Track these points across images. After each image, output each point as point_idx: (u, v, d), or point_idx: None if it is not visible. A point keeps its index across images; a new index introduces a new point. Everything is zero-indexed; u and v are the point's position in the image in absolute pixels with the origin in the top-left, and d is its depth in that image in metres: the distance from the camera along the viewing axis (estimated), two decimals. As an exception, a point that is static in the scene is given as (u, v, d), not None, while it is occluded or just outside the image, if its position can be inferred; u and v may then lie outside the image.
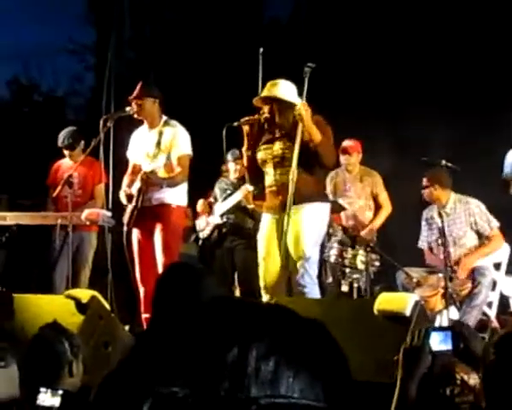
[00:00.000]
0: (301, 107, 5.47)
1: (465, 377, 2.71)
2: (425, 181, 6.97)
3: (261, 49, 6.35)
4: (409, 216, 7.57)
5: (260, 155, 5.79)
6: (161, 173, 6.45)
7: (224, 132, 5.81)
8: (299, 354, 0.85)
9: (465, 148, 7.96)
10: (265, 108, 5.70)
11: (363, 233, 7.36)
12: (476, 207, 6.93)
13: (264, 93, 5.74)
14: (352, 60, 8.72)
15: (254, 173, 5.97)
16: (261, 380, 0.82)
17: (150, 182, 6.35)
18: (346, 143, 7.75)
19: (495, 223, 6.89)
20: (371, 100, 8.54)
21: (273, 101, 5.68)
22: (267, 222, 5.81)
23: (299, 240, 5.59)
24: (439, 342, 2.68)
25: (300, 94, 5.62)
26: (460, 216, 6.94)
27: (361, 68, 8.60)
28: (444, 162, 7.04)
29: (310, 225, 5.61)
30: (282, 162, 5.68)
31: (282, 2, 14.20)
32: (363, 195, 7.70)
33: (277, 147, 5.71)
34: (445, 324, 6.13)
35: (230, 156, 7.57)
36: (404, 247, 7.50)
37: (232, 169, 7.63)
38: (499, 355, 1.92)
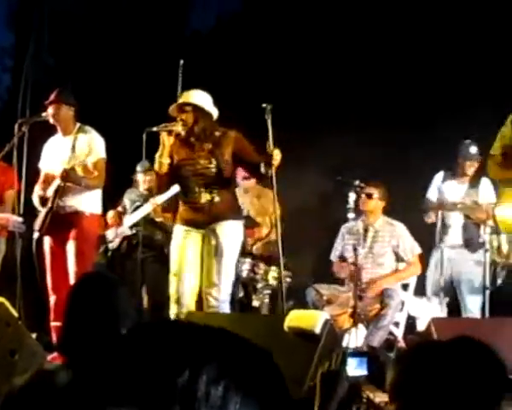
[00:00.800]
0: (278, 156, 5.48)
1: (371, 396, 2.77)
2: (372, 190, 7.06)
3: (181, 61, 6.36)
4: (322, 233, 7.67)
5: (183, 171, 5.76)
6: (80, 172, 6.39)
7: (144, 137, 5.76)
8: (246, 380, 0.86)
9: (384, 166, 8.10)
10: (182, 116, 5.70)
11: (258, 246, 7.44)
12: (401, 230, 7.08)
13: (181, 100, 5.75)
14: (272, 75, 8.78)
15: (165, 182, 5.95)
16: (211, 405, 0.83)
17: (70, 179, 6.28)
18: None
19: (417, 249, 7.07)
20: (294, 115, 8.59)
21: (193, 110, 5.69)
22: (181, 234, 5.80)
23: (219, 256, 5.60)
24: (355, 367, 2.73)
25: (266, 136, 5.61)
26: (384, 236, 7.08)
27: (281, 83, 8.66)
28: (357, 182, 7.16)
29: (226, 241, 5.64)
30: (206, 179, 5.68)
31: (206, 14, 14.23)
32: (261, 213, 7.74)
33: (201, 165, 5.70)
34: (353, 343, 6.24)
35: (140, 168, 7.54)
36: (315, 264, 7.60)
37: (141, 180, 7.61)
38: (401, 373, 1.98)
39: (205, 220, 5.64)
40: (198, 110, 5.69)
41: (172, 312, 5.69)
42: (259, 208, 7.71)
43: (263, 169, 5.51)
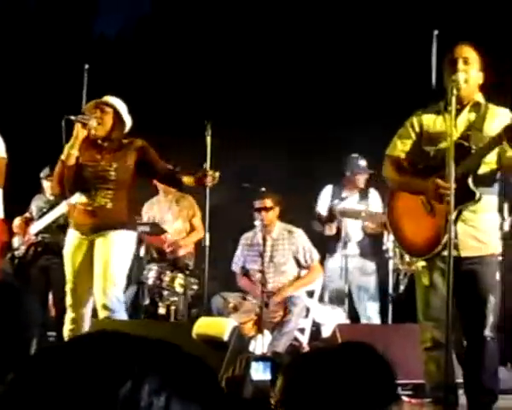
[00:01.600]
0: (215, 180, 5.45)
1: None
2: (269, 202, 7.10)
3: (86, 66, 6.29)
4: (230, 240, 7.68)
5: (84, 172, 5.65)
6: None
7: (63, 124, 5.55)
8: (187, 390, 0.85)
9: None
10: (99, 114, 5.62)
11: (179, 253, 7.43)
12: (300, 237, 7.18)
13: (103, 99, 5.68)
14: (182, 79, 8.73)
15: (72, 175, 5.70)
16: None
17: None
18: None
19: (316, 255, 7.18)
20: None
21: (113, 114, 5.63)
22: (73, 240, 5.71)
23: (108, 264, 5.53)
24: (259, 372, 2.76)
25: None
26: (284, 244, 7.16)
27: (190, 87, 8.62)
28: (263, 190, 7.22)
29: (115, 250, 5.55)
30: (104, 183, 5.61)
31: (113, 18, 14.09)
32: (180, 217, 7.73)
33: (102, 166, 5.63)
34: (259, 350, 6.28)
35: (43, 174, 7.41)
36: (223, 272, 7.60)
37: (46, 187, 7.48)
38: (287, 381, 2.00)
39: (95, 225, 5.55)
40: (117, 116, 5.64)
41: (69, 317, 5.62)
42: (177, 213, 7.69)
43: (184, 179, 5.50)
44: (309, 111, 8.18)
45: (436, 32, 4.95)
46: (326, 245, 7.64)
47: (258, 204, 7.13)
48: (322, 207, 7.72)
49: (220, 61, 8.20)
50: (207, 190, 5.50)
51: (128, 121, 5.72)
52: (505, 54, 7.27)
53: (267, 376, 2.75)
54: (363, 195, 7.55)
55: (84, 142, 5.65)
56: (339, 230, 7.44)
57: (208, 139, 5.54)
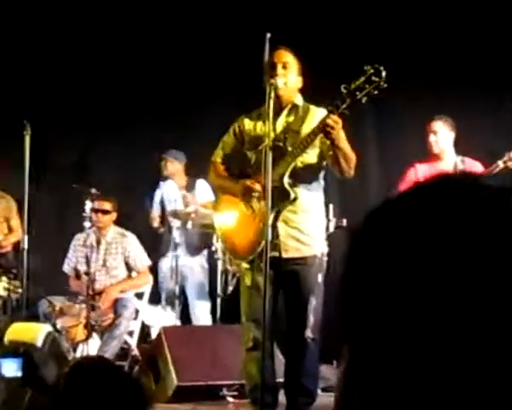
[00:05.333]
0: None
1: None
2: (108, 206, 6.95)
3: None
4: (58, 242, 7.47)
5: None
6: None
7: None
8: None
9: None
10: None
11: None
12: (132, 241, 7.09)
13: None
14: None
15: None
16: None
17: None
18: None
19: (146, 261, 7.11)
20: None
21: None
22: None
23: None
24: (10, 369, 2.69)
25: None
26: (117, 247, 7.05)
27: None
28: (94, 191, 7.08)
29: None
30: None
31: None
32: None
33: None
34: (87, 353, 6.14)
35: None
36: (49, 274, 7.37)
37: None
38: (68, 385, 1.96)
39: None
40: None
41: None
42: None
43: None
44: (140, 110, 8.06)
45: (269, 35, 4.99)
46: (160, 246, 7.59)
47: (96, 205, 6.97)
48: (156, 206, 7.69)
49: (39, 58, 7.92)
50: (26, 190, 5.32)
51: None
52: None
53: (19, 373, 2.67)
54: (189, 188, 7.53)
55: None
56: (170, 230, 7.41)
57: (27, 139, 5.37)
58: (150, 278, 7.21)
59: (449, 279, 0.68)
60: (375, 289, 0.71)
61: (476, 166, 6.25)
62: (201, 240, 7.35)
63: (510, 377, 0.67)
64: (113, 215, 7.06)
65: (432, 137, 6.22)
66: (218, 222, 4.86)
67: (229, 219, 4.74)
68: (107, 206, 6.99)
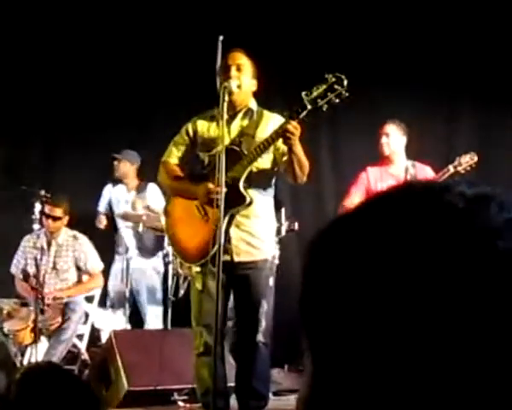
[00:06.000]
0: None
1: None
2: (59, 212, 6.81)
3: None
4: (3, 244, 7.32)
5: None
6: None
7: None
8: None
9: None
10: None
11: None
12: (85, 243, 7.00)
13: None
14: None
15: None
16: None
17: None
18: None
19: (98, 264, 7.03)
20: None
21: None
22: None
23: None
24: None
25: None
26: (68, 250, 6.95)
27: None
28: (43, 193, 6.96)
29: None
30: None
31: None
32: None
33: None
34: (35, 357, 6.05)
35: None
36: (2, 276, 7.22)
37: None
38: (19, 393, 1.93)
39: None
40: None
41: None
42: None
43: None
44: (95, 111, 7.97)
45: (221, 38, 4.97)
46: (111, 247, 7.52)
47: (47, 211, 6.80)
48: (103, 206, 7.62)
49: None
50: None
51: None
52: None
53: None
54: (140, 190, 7.48)
55: None
56: (117, 231, 7.35)
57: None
58: (101, 282, 7.13)
59: (410, 286, 0.67)
60: (338, 297, 0.70)
61: (427, 171, 6.32)
62: (155, 243, 7.29)
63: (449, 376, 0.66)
64: (65, 220, 6.93)
65: (384, 139, 6.30)
66: (166, 223, 4.84)
67: (178, 220, 4.72)
68: (58, 212, 6.84)
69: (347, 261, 0.70)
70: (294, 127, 4.19)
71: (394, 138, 6.32)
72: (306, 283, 0.74)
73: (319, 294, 0.71)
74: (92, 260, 7.01)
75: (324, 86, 4.19)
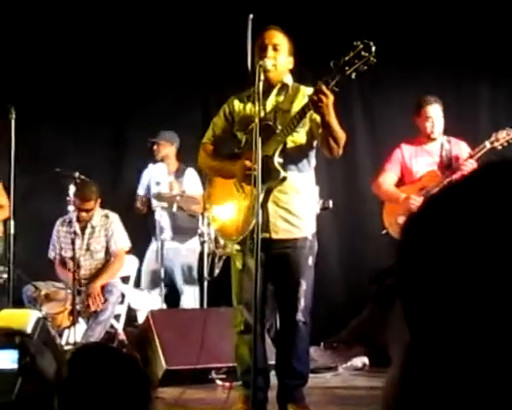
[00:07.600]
0: None
1: None
2: (92, 205, 6.87)
3: None
4: (39, 227, 7.37)
5: None
6: None
7: None
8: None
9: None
10: None
11: None
12: (115, 221, 7.03)
13: None
14: None
15: None
16: None
17: None
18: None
19: (123, 243, 7.01)
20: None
21: None
22: None
23: None
24: (6, 361, 2.63)
25: None
26: (101, 230, 6.98)
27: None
28: (77, 174, 6.97)
29: None
30: None
31: None
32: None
33: None
34: (72, 339, 6.10)
35: None
36: (39, 260, 7.26)
37: None
38: (71, 372, 1.94)
39: None
40: None
41: None
42: None
43: None
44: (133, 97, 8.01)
45: (251, 17, 4.92)
46: (146, 228, 7.54)
47: (78, 204, 6.72)
48: (142, 189, 7.65)
49: (25, 45, 7.83)
50: (12, 174, 5.26)
51: None
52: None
53: (14, 364, 2.60)
54: (179, 174, 7.49)
55: None
56: (153, 212, 7.35)
57: (13, 123, 5.32)
58: (123, 261, 7.08)
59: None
60: (439, 273, 0.69)
61: (461, 147, 6.25)
62: (190, 224, 7.28)
63: None
64: (97, 205, 6.96)
65: (435, 120, 6.18)
66: (214, 213, 4.80)
67: (217, 199, 4.71)
68: (89, 205, 6.87)
69: (447, 237, 0.70)
70: (323, 94, 4.12)
71: (439, 120, 6.22)
72: (405, 259, 0.73)
73: (420, 269, 0.70)
74: (119, 238, 6.99)
75: (352, 53, 4.11)
